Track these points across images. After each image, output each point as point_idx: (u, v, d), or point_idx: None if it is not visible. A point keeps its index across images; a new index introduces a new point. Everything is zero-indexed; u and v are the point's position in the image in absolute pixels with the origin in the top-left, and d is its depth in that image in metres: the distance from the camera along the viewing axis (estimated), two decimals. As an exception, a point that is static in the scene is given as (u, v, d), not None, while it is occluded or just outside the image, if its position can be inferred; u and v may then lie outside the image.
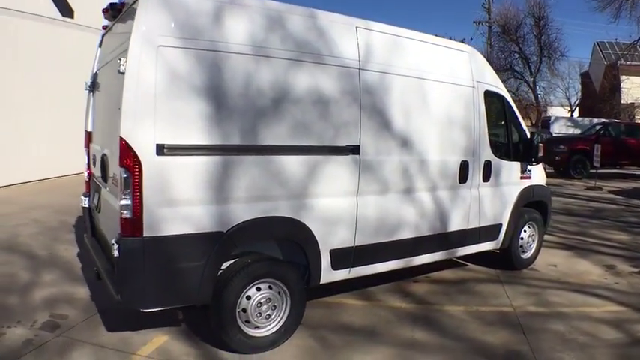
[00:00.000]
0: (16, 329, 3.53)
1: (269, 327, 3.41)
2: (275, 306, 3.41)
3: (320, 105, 3.51)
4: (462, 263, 5.67)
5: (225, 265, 3.27)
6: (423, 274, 5.14)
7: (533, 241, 5.56)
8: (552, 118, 22.82)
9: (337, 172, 3.63)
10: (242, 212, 3.19)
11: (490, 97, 4.88)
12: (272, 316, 3.40)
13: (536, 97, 29.89)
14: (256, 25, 3.25)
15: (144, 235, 2.87)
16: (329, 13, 3.69)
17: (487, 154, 4.76)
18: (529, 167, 5.30)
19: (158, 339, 3.53)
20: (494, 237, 5.03)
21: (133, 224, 2.83)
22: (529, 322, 4.02)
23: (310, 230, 3.49)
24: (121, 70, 2.79)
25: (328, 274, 3.71)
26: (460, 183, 4.50)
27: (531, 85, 29.72)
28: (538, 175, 5.49)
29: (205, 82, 3.01)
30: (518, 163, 5.18)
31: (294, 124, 3.39)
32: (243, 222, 3.19)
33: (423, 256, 4.40)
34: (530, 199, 5.36)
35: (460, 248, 4.71)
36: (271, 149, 3.29)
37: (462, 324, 3.97)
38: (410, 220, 4.15)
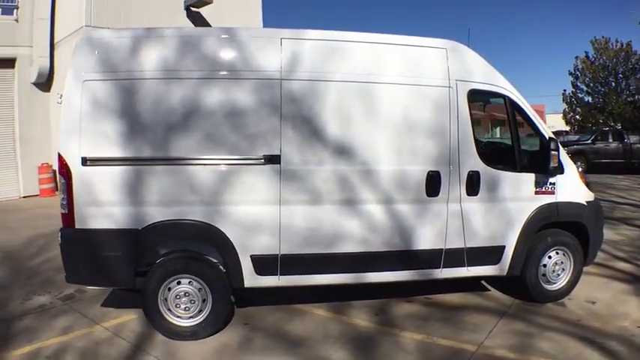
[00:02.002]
0: (41, 297, 4.72)
1: (190, 319, 3.80)
2: (193, 300, 3.78)
3: (233, 117, 3.72)
4: (483, 287, 4.99)
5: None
6: (429, 293, 4.74)
7: (564, 270, 4.52)
8: None
9: (254, 180, 3.77)
10: (156, 213, 3.68)
11: (481, 97, 4.25)
12: (190, 309, 3.78)
13: None
14: (170, 51, 3.69)
15: (76, 227, 3.63)
16: (252, 29, 3.90)
17: (473, 163, 4.14)
18: (551, 180, 4.36)
19: (126, 317, 4.26)
20: (494, 261, 4.30)
21: (68, 218, 3.63)
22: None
23: (225, 235, 3.74)
24: (58, 102, 3.62)
25: (253, 279, 3.88)
26: (429, 196, 4.05)
27: None
28: (569, 189, 4.44)
29: (121, 105, 3.61)
30: (532, 175, 4.31)
31: (205, 137, 3.69)
32: (156, 222, 3.68)
33: (382, 273, 4.11)
34: (552, 218, 4.39)
35: (436, 270, 4.20)
36: (181, 160, 3.68)
37: (397, 354, 3.62)
38: (354, 233, 3.95)
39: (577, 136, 20.32)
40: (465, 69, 4.16)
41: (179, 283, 3.79)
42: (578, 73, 30.93)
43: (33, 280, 4.89)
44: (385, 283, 4.22)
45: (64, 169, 3.60)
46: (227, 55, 3.79)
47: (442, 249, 4.14)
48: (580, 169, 4.70)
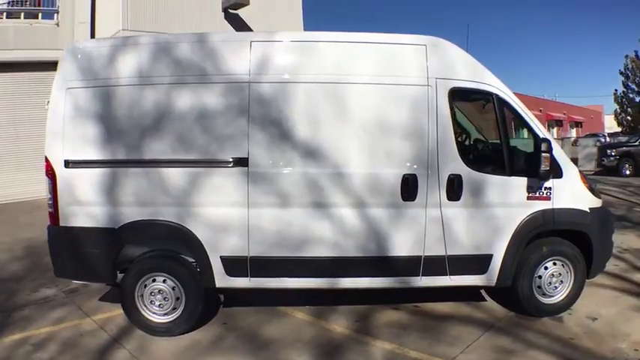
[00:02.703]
0: (48, 289, 5.10)
1: (164, 316, 3.95)
2: (167, 298, 3.91)
3: (203, 120, 3.80)
4: (481, 297, 4.73)
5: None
6: (420, 301, 4.55)
7: (562, 282, 4.14)
8: None
9: (223, 183, 3.82)
10: (132, 213, 3.85)
11: (466, 95, 4.01)
12: (164, 307, 3.93)
13: None
14: (144, 58, 3.84)
15: (60, 225, 3.89)
16: (223, 33, 3.95)
17: (454, 166, 3.91)
18: (547, 184, 4.02)
19: (116, 312, 4.45)
20: (481, 270, 4.04)
21: (53, 217, 3.90)
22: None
23: (195, 235, 3.84)
24: (46, 107, 3.90)
25: (224, 280, 3.94)
26: (405, 200, 3.88)
27: None
28: (569, 194, 4.07)
29: (99, 111, 3.82)
30: (523, 179, 4.00)
31: (176, 140, 3.80)
32: (131, 222, 3.85)
33: (356, 279, 4.01)
34: (547, 226, 4.04)
35: (415, 278, 4.02)
36: (154, 162, 3.82)
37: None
38: (326, 237, 3.89)
39: (626, 138, 18.83)
40: (446, 66, 3.94)
41: (154, 280, 3.94)
42: (628, 72, 29.11)
43: (46, 275, 5.30)
44: (373, 289, 4.12)
45: (50, 171, 3.87)
46: (198, 59, 3.87)
47: (421, 256, 3.96)
48: (628, 171, 4.25)
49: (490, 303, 4.61)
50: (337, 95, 3.86)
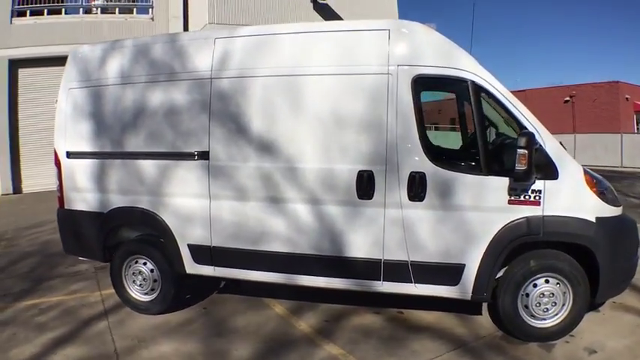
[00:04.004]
0: (84, 265, 5.81)
1: (144, 295, 4.33)
2: (146, 279, 4.27)
3: (172, 116, 4.01)
4: (477, 310, 4.19)
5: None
6: (409, 307, 4.23)
7: (555, 305, 3.46)
8: None
9: (187, 175, 4.00)
10: (116, 200, 4.26)
11: (435, 83, 3.56)
12: (143, 287, 4.29)
13: None
14: (126, 60, 4.17)
15: (65, 208, 4.49)
16: (192, 32, 4.08)
17: (416, 163, 3.51)
18: (535, 187, 3.38)
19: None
20: (452, 281, 3.58)
21: (60, 200, 4.52)
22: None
23: (166, 223, 4.10)
24: (55, 106, 4.50)
25: (193, 267, 4.15)
26: (361, 198, 3.62)
27: None
28: (566, 199, 3.37)
29: (91, 109, 4.28)
30: (504, 180, 3.40)
31: (150, 134, 4.08)
32: (115, 208, 4.26)
33: (314, 277, 3.88)
34: (534, 236, 3.40)
35: (376, 282, 3.73)
36: (132, 154, 4.16)
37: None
38: (281, 232, 3.83)
39: None
40: (410, 52, 3.53)
41: (136, 262, 4.33)
42: None
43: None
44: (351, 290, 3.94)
45: (57, 161, 4.47)
46: (169, 59, 4.09)
47: (380, 260, 3.66)
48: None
49: (483, 318, 4.06)
50: (293, 88, 3.74)
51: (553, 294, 3.45)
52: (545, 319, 3.50)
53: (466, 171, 3.48)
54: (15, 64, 13.24)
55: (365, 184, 3.58)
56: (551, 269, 3.44)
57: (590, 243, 3.36)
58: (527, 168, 3.17)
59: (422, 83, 3.53)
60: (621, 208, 3.62)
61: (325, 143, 3.68)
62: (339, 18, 14.72)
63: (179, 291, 4.35)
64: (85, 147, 4.34)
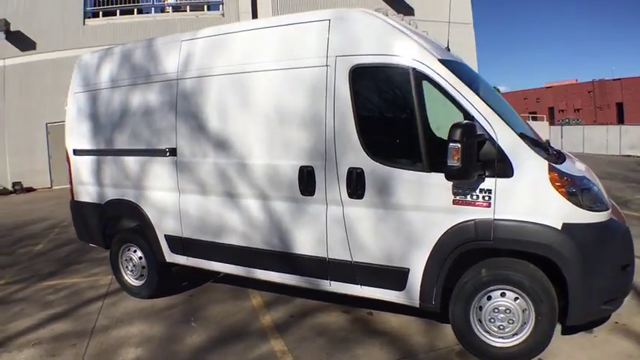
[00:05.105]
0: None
1: (135, 280, 4.74)
2: (135, 265, 4.65)
3: (148, 116, 4.30)
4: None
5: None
6: (384, 309, 4.00)
7: (514, 322, 3.02)
8: None
9: (161, 170, 4.26)
10: (110, 193, 4.69)
11: (374, 73, 3.26)
12: (134, 273, 4.70)
13: None
14: (114, 65, 4.53)
15: (74, 199, 5.05)
16: (165, 37, 4.28)
17: (354, 158, 3.30)
18: (484, 185, 2.95)
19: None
20: (397, 286, 3.33)
21: (71, 192, 5.09)
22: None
23: (147, 214, 4.43)
24: (65, 108, 5.03)
25: (170, 256, 4.43)
26: (303, 195, 3.51)
27: None
28: (523, 201, 2.92)
29: (90, 111, 4.74)
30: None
31: (132, 133, 4.42)
32: (109, 199, 4.69)
33: (267, 272, 3.90)
34: (483, 243, 2.99)
35: (324, 281, 3.61)
36: (119, 151, 4.54)
37: (236, 354, 3.49)
38: (237, 227, 3.91)
39: None
40: (349, 41, 3.31)
41: (129, 250, 4.72)
42: None
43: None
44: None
45: (67, 157, 5.03)
46: (146, 62, 4.36)
47: (325, 258, 3.53)
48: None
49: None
50: (242, 85, 3.78)
51: (508, 309, 3.01)
52: (503, 338, 3.07)
53: (407, 167, 3.16)
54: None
55: (306, 180, 3.48)
56: (506, 281, 3.00)
57: (552, 254, 2.86)
58: (462, 164, 2.77)
59: (361, 74, 3.29)
60: (606, 213, 2.99)
61: (271, 139, 3.66)
62: (408, 7, 14.08)
63: (163, 278, 4.64)
64: (86, 145, 4.82)
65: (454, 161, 2.78)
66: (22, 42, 14.53)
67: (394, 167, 3.20)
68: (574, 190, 2.92)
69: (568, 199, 2.88)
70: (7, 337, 3.90)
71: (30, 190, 14.73)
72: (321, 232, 3.51)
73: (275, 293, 4.54)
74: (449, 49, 3.81)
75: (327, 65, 3.36)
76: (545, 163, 2.94)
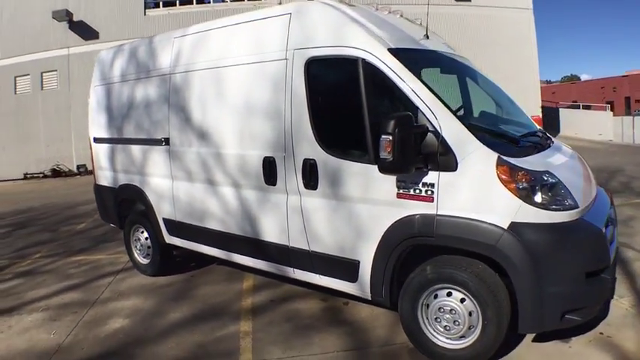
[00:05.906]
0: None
1: (143, 258, 5.17)
2: (142, 245, 5.09)
3: (148, 108, 4.66)
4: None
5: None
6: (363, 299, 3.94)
7: (460, 324, 2.90)
8: None
9: (158, 158, 4.61)
10: (122, 178, 5.14)
11: (328, 66, 3.25)
12: (142, 252, 5.14)
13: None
14: (124, 60, 4.93)
15: (96, 183, 5.58)
16: (162, 34, 4.56)
17: (308, 150, 3.33)
18: (427, 179, 2.85)
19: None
20: (349, 277, 3.34)
21: (94, 177, 5.62)
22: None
23: (149, 198, 4.81)
24: (88, 101, 5.54)
25: (169, 238, 4.78)
26: (267, 184, 3.62)
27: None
28: (468, 197, 2.77)
29: (105, 102, 5.21)
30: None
31: (137, 123, 4.81)
32: (121, 184, 5.14)
33: (242, 257, 4.11)
34: (425, 239, 2.90)
35: (288, 269, 3.72)
36: (127, 140, 4.95)
37: (209, 334, 3.71)
38: (216, 212, 4.14)
39: None
40: (306, 34, 3.34)
41: (137, 230, 5.15)
42: None
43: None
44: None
45: (90, 145, 5.55)
46: (146, 59, 4.71)
47: (287, 246, 3.63)
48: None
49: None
50: (218, 79, 3.98)
51: (455, 311, 2.89)
52: (450, 339, 2.96)
53: (355, 159, 3.13)
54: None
55: (268, 171, 3.60)
56: (450, 280, 2.88)
57: (495, 254, 2.70)
58: (394, 158, 2.69)
59: (316, 66, 3.30)
60: (571, 213, 2.73)
61: (241, 130, 3.83)
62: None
63: (165, 258, 5.01)
64: (103, 134, 5.31)
65: (386, 154, 2.70)
66: (86, 31, 15.76)
67: (344, 159, 3.18)
68: (526, 185, 2.71)
69: (518, 196, 2.68)
70: (23, 303, 4.50)
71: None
72: (283, 220, 3.60)
73: (267, 278, 4.69)
74: (427, 37, 3.64)
75: (286, 59, 3.42)
76: (494, 155, 2.75)
